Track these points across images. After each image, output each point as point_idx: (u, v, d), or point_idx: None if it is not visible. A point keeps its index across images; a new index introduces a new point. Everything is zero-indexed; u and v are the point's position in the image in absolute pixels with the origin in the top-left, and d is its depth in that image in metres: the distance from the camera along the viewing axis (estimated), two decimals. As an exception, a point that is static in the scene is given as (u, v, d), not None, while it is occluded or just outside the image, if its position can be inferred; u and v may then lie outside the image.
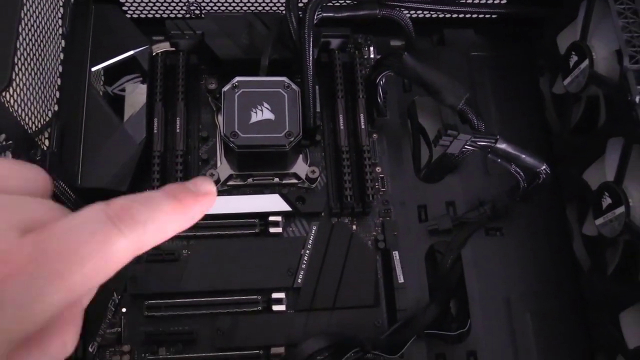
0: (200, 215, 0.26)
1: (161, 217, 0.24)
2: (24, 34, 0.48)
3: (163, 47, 0.64)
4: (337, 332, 0.52)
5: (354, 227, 0.62)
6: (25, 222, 0.23)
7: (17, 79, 0.47)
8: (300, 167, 0.62)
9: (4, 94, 0.44)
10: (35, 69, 0.52)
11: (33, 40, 0.50)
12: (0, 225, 0.22)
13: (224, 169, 0.61)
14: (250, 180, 0.61)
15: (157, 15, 0.68)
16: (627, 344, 0.53)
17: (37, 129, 0.52)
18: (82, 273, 0.22)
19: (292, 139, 0.57)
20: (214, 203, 0.26)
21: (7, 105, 0.45)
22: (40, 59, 0.53)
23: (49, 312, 0.22)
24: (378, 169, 0.64)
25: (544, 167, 0.56)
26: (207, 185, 0.26)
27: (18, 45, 0.46)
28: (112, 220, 0.23)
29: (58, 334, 0.24)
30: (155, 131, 0.60)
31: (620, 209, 0.52)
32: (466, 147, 0.54)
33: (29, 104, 0.50)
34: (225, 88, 0.58)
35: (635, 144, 0.52)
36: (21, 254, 0.21)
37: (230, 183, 0.61)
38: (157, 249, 0.58)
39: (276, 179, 0.62)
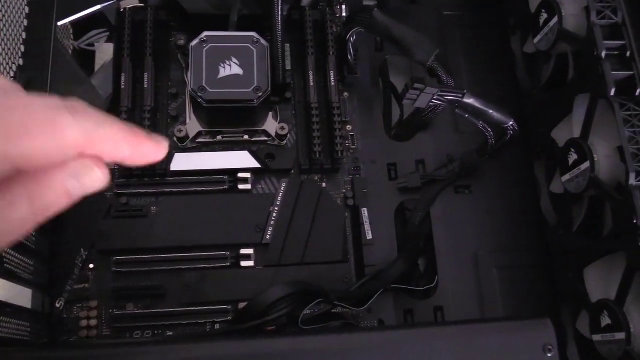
0: (146, 159, 0.29)
1: (114, 132, 0.27)
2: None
3: (131, 2, 0.63)
4: (300, 281, 0.52)
5: (324, 184, 0.62)
6: None
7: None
8: (270, 125, 0.62)
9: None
10: (1, 20, 0.51)
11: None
12: None
13: (193, 125, 0.61)
14: (219, 137, 0.61)
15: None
16: (591, 297, 0.54)
17: (0, 80, 0.51)
18: (33, 145, 0.25)
19: (260, 94, 0.56)
20: (161, 157, 0.30)
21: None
22: (5, 10, 0.52)
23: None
24: (349, 127, 0.64)
25: (511, 122, 0.56)
26: (164, 141, 0.30)
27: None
28: (68, 108, 0.26)
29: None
30: (122, 87, 0.59)
31: (586, 165, 0.53)
32: (434, 101, 0.54)
33: (-9, 54, 0.49)
34: (193, 43, 0.57)
35: (601, 98, 0.52)
36: None
37: (199, 140, 0.61)
38: (125, 204, 0.58)
39: (246, 136, 0.61)
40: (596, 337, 0.52)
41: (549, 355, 0.40)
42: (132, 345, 0.42)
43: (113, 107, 0.58)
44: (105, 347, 0.39)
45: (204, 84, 0.56)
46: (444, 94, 0.54)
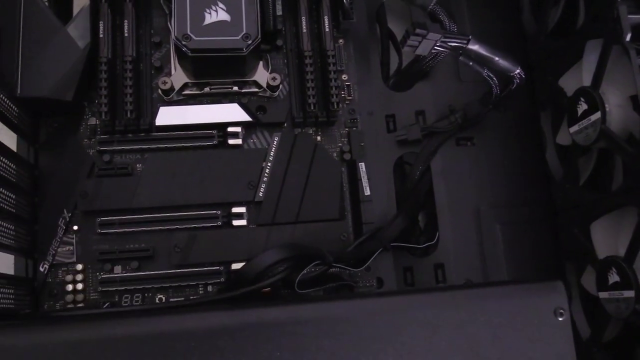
0: None
1: None
2: None
3: (108, -58, 0.58)
4: (296, 244, 0.50)
5: (319, 137, 0.59)
6: None
7: None
8: (261, 75, 0.58)
9: None
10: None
11: None
12: None
13: (178, 76, 0.57)
14: (207, 89, 0.57)
15: None
16: (597, 253, 0.52)
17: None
18: None
19: (249, 42, 0.53)
20: None
21: None
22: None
23: None
24: (344, 77, 0.60)
25: (518, 70, 0.53)
26: None
27: None
28: None
29: None
30: (101, 35, 0.55)
31: (596, 115, 0.50)
32: (436, 48, 0.50)
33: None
34: (176, -14, 0.53)
35: (615, 44, 0.49)
36: None
37: (185, 92, 0.57)
38: (108, 162, 0.55)
39: (235, 88, 0.58)
40: (603, 294, 0.50)
41: (561, 319, 0.38)
42: (119, 316, 0.39)
43: (91, 57, 0.54)
44: (90, 320, 0.36)
45: (188, 32, 0.52)
46: (447, 40, 0.50)
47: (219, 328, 0.36)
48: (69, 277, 0.53)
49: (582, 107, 0.52)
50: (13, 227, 0.50)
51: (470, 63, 0.52)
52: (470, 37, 0.51)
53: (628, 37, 0.47)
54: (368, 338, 0.37)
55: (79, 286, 0.53)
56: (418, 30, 0.49)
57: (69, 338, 0.35)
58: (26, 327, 0.36)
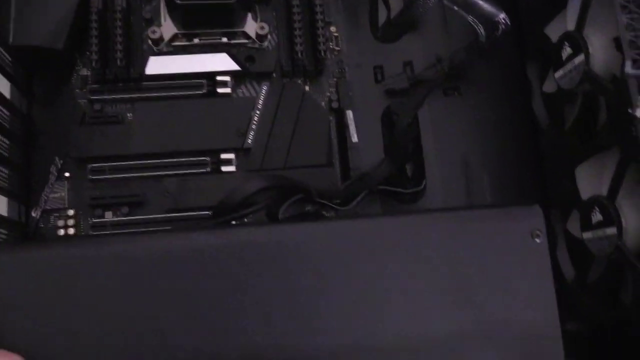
0: None
1: None
2: None
3: None
4: (281, 175, 0.51)
5: (307, 87, 0.59)
6: None
7: None
8: (250, 26, 0.58)
9: None
10: None
11: None
12: None
13: (168, 27, 0.58)
14: (196, 40, 0.58)
15: None
16: (582, 196, 0.53)
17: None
18: None
19: (237, -10, 0.53)
20: None
21: None
22: None
23: None
24: (332, 29, 0.61)
25: (502, 15, 0.53)
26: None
27: None
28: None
29: None
30: (91, -14, 0.56)
31: (580, 58, 0.50)
32: (421, -11, 0.51)
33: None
34: None
35: (598, -13, 0.49)
36: None
37: (175, 43, 0.58)
38: (99, 111, 0.56)
39: (224, 39, 0.58)
40: (587, 235, 0.50)
41: (538, 240, 0.39)
42: (104, 237, 0.40)
43: (82, 8, 0.55)
44: (78, 240, 0.37)
45: (177, -20, 0.53)
46: (432, -18, 0.51)
47: (199, 247, 0.36)
48: (61, 222, 0.54)
49: (567, 51, 0.52)
50: (7, 172, 0.51)
51: (456, 8, 0.53)
52: (454, -20, 0.51)
53: (609, -23, 0.47)
54: (347, 260, 0.37)
55: (71, 231, 0.54)
56: (402, -29, 0.50)
57: (56, 254, 0.36)
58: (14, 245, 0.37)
